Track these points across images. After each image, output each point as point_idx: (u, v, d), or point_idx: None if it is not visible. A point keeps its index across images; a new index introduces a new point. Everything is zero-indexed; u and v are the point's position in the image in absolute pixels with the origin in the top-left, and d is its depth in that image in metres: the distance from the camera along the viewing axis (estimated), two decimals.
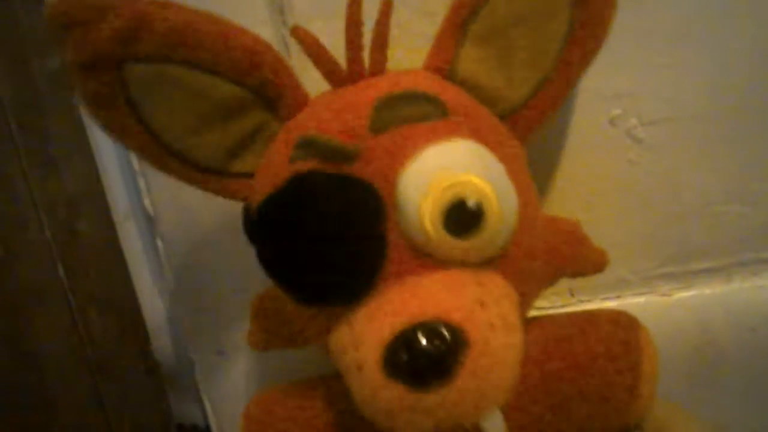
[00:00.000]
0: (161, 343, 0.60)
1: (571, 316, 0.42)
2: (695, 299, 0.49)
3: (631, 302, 0.50)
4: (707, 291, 0.49)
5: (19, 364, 0.58)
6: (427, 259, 0.34)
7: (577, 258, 0.40)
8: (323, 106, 0.38)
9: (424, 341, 0.31)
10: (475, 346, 0.31)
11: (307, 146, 0.35)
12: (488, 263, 0.35)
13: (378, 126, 0.35)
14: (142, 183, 0.53)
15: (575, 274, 0.41)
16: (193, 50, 0.36)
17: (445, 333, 0.31)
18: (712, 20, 0.45)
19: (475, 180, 0.33)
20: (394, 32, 0.39)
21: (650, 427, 0.39)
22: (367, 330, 0.33)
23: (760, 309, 0.48)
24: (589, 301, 0.51)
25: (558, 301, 0.51)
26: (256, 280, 0.52)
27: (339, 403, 0.43)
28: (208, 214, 0.52)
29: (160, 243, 0.55)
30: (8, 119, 0.55)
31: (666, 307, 0.49)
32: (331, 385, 0.44)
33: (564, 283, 0.50)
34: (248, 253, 0.51)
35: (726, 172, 0.48)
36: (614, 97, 0.47)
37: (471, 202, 0.33)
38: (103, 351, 0.60)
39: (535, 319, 0.42)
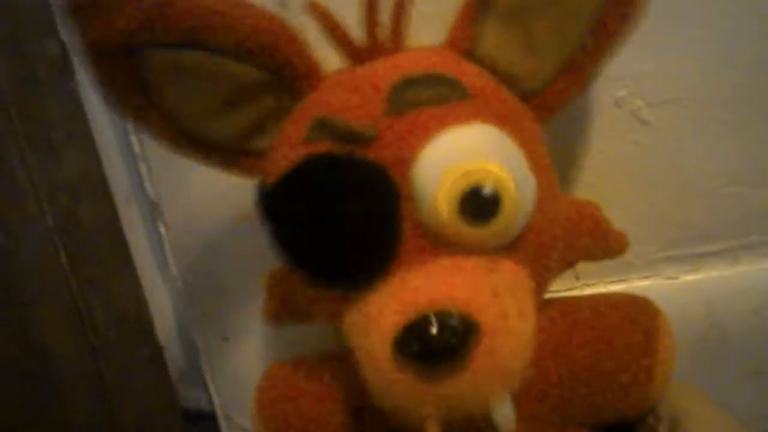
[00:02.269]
0: (165, 328, 0.60)
1: (588, 298, 0.42)
2: (701, 282, 0.49)
3: (636, 285, 0.50)
4: (713, 274, 0.49)
5: (22, 350, 0.58)
6: (441, 244, 0.34)
7: (597, 242, 0.40)
8: (340, 86, 0.37)
9: (435, 331, 0.30)
10: (486, 336, 0.31)
11: (323, 127, 0.35)
12: (503, 249, 0.35)
13: (395, 108, 0.35)
14: (143, 167, 0.53)
15: (594, 257, 0.41)
16: (210, 35, 0.35)
17: (457, 323, 0.30)
18: (718, 2, 0.45)
19: (492, 167, 0.33)
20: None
21: (665, 410, 0.39)
22: (379, 316, 0.33)
23: (766, 292, 0.48)
24: (594, 284, 0.51)
25: (563, 285, 0.51)
26: (261, 264, 0.52)
27: (347, 379, 0.43)
28: (210, 198, 0.52)
29: (162, 228, 0.55)
30: (7, 105, 0.55)
31: (671, 291, 0.49)
32: (341, 360, 0.44)
33: None
34: (252, 238, 0.51)
35: (732, 154, 0.47)
36: (619, 79, 0.46)
37: (487, 190, 0.32)
38: (106, 337, 0.60)
39: (551, 301, 0.42)
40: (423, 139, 0.34)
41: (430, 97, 0.35)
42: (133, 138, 0.53)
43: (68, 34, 0.53)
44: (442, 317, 0.31)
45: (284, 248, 0.36)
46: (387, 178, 0.34)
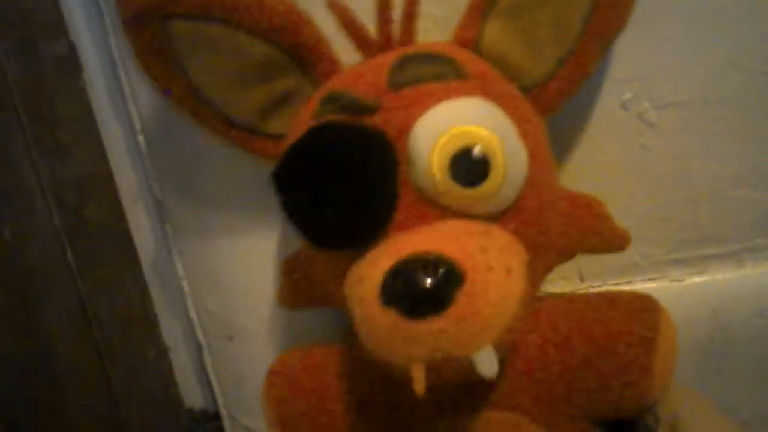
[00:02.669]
0: (171, 328, 0.61)
1: (591, 296, 0.42)
2: (706, 284, 0.49)
3: (642, 287, 0.50)
4: (718, 276, 0.49)
5: (28, 348, 0.58)
6: (435, 208, 0.36)
7: (596, 232, 0.41)
8: (350, 70, 0.40)
9: (419, 271, 0.32)
10: (469, 282, 0.32)
11: (331, 101, 0.38)
12: (497, 218, 0.37)
13: (396, 83, 0.37)
14: (150, 167, 0.53)
15: (594, 250, 0.42)
16: (231, 11, 0.38)
17: (441, 266, 0.32)
18: (724, 4, 0.45)
19: (481, 130, 0.35)
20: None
21: (664, 410, 0.39)
22: (371, 266, 0.34)
23: None
24: (599, 286, 0.51)
25: (568, 286, 0.51)
26: (266, 263, 0.52)
27: (354, 369, 0.44)
28: (216, 197, 0.52)
29: (168, 228, 0.55)
30: (16, 104, 0.55)
31: (677, 293, 0.49)
32: (348, 350, 0.45)
33: (574, 268, 0.50)
34: (257, 236, 0.52)
35: (738, 157, 0.47)
36: (626, 81, 0.46)
37: (476, 151, 0.35)
38: (111, 336, 0.60)
39: (554, 298, 0.42)
40: (420, 109, 0.36)
41: (429, 74, 0.37)
42: (141, 138, 0.53)
43: (76, 34, 0.54)
44: (427, 261, 0.32)
45: (291, 213, 0.38)
46: (386, 142, 0.36)
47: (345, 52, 0.42)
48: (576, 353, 0.39)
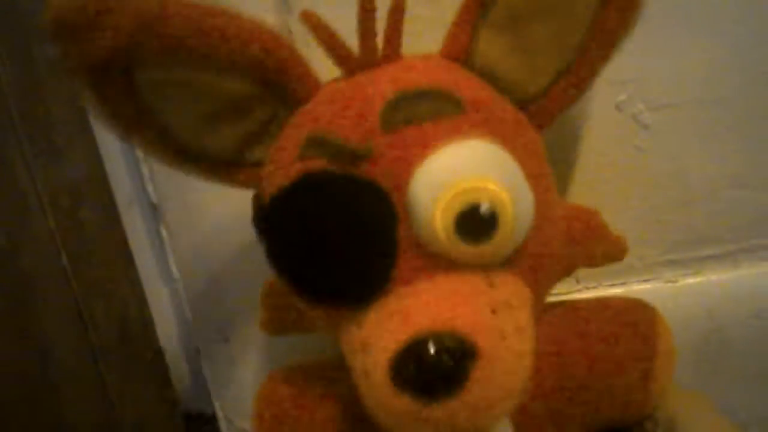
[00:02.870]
0: (166, 331, 0.60)
1: (588, 302, 0.42)
2: (701, 286, 0.49)
3: (637, 289, 0.50)
4: (713, 277, 0.49)
5: (23, 352, 0.58)
6: (437, 263, 0.33)
7: (596, 249, 0.40)
8: (333, 99, 0.37)
9: (432, 353, 0.30)
10: (484, 358, 0.30)
11: (316, 145, 0.35)
12: (501, 264, 0.34)
13: (390, 124, 0.34)
14: (145, 170, 0.53)
15: (594, 263, 0.41)
16: (198, 54, 0.35)
17: (454, 345, 0.30)
18: (718, 5, 0.45)
19: (489, 185, 0.32)
20: None
21: (662, 413, 0.39)
22: (376, 336, 0.32)
23: (766, 295, 0.48)
24: (594, 288, 0.51)
25: (563, 289, 0.51)
26: (262, 267, 0.52)
27: (346, 386, 0.43)
28: (212, 202, 0.52)
29: (164, 230, 0.55)
30: (9, 107, 0.55)
31: (672, 294, 0.49)
32: (340, 366, 0.44)
33: None
34: (254, 241, 0.51)
35: (732, 158, 0.47)
36: (621, 83, 0.46)
37: (484, 209, 0.32)
38: (107, 339, 0.60)
39: (550, 304, 0.42)
40: (418, 156, 0.33)
41: (425, 113, 0.34)
42: None
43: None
44: (440, 341, 0.30)
45: (279, 266, 0.36)
46: (383, 197, 0.33)
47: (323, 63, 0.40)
48: (576, 367, 0.39)
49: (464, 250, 0.33)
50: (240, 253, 0.52)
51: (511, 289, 0.34)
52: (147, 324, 0.60)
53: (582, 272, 0.50)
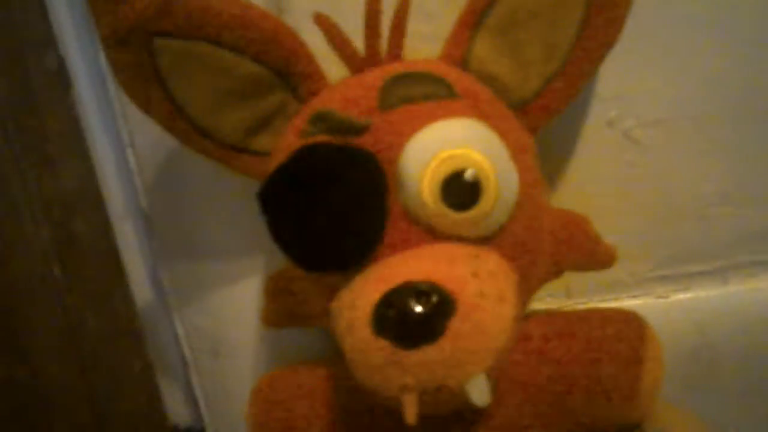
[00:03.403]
0: (156, 343, 0.60)
1: (576, 312, 0.42)
2: (691, 301, 0.49)
3: (627, 304, 0.50)
4: (703, 293, 0.49)
5: (12, 363, 0.58)
6: (426, 231, 0.36)
7: (583, 250, 0.41)
8: (337, 88, 0.40)
9: (411, 301, 0.31)
10: (461, 311, 0.32)
11: (320, 121, 0.37)
12: (487, 241, 0.37)
13: (386, 103, 0.37)
14: (138, 183, 0.53)
15: (582, 268, 0.42)
16: (217, 30, 0.38)
17: (433, 295, 0.32)
18: (710, 21, 0.45)
19: (473, 153, 0.35)
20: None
21: (651, 428, 0.39)
22: (361, 292, 0.34)
23: (757, 311, 0.48)
24: (585, 302, 0.51)
25: (554, 303, 0.51)
26: (254, 280, 0.52)
27: (342, 390, 0.43)
28: (204, 214, 0.52)
29: (156, 242, 0.55)
30: (4, 118, 0.55)
31: (662, 310, 0.49)
32: (336, 366, 0.44)
33: (561, 285, 0.50)
34: (245, 255, 0.52)
35: (723, 174, 0.48)
36: (612, 99, 0.47)
37: (468, 174, 0.34)
38: (97, 351, 0.60)
39: (539, 314, 0.42)
40: (411, 130, 0.36)
41: (419, 94, 0.37)
42: (129, 152, 0.53)
43: (66, 48, 0.54)
44: (419, 290, 0.32)
45: (278, 234, 0.38)
46: (376, 164, 0.36)
47: (333, 66, 0.42)
48: (563, 373, 0.39)
49: (450, 217, 0.35)
50: (232, 267, 0.52)
51: (495, 264, 0.36)
52: (137, 336, 0.60)
53: (574, 288, 0.51)
